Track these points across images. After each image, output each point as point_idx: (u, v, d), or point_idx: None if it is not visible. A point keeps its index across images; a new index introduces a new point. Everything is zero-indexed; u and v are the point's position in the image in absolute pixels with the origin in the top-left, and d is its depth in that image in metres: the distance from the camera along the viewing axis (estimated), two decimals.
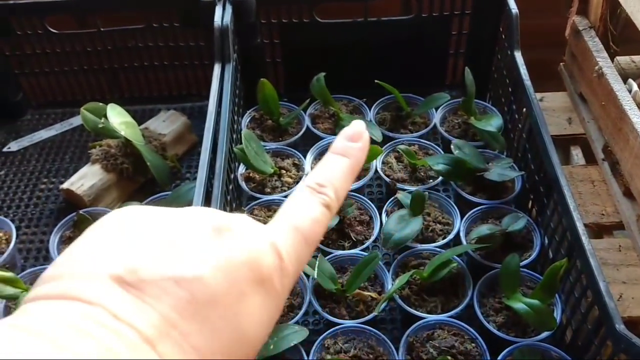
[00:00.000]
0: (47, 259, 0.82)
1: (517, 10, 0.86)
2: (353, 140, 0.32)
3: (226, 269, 0.23)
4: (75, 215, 0.81)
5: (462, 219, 0.79)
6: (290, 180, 0.85)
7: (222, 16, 0.87)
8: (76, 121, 1.03)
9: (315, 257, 0.72)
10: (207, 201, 0.71)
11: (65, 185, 0.86)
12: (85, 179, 0.86)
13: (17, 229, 0.84)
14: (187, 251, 0.23)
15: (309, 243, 0.28)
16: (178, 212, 0.26)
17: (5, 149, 1.00)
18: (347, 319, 0.70)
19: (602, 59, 0.85)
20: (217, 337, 0.22)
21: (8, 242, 0.80)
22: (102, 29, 0.97)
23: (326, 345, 0.68)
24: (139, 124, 0.92)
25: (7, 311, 0.74)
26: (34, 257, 0.84)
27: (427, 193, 0.79)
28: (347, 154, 0.31)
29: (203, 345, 0.22)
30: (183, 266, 0.23)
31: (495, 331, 0.68)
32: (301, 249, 0.27)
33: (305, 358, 0.66)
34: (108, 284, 0.22)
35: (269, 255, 0.25)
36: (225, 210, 0.74)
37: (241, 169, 0.86)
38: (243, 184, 0.84)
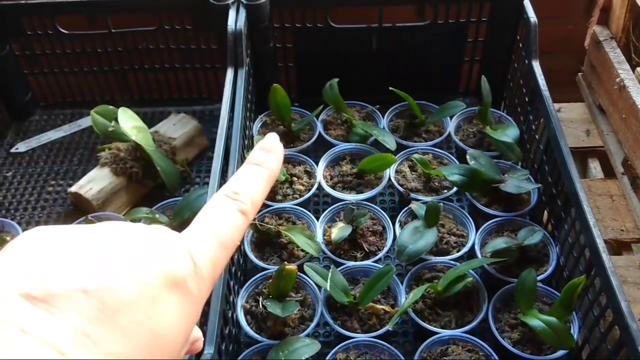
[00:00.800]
0: None
1: (536, 19, 0.85)
2: (268, 151, 0.34)
3: (137, 276, 0.24)
4: (84, 220, 0.79)
5: (476, 231, 0.77)
6: (301, 187, 0.84)
7: (235, 20, 0.85)
8: (85, 122, 1.02)
9: (327, 268, 0.71)
10: None
11: (73, 189, 0.85)
12: (93, 183, 0.85)
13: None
14: (95, 263, 0.24)
15: (224, 247, 0.29)
16: (90, 228, 0.27)
17: (13, 150, 0.99)
18: (359, 333, 0.69)
19: (624, 71, 0.83)
20: (131, 341, 0.23)
21: None
22: (113, 30, 0.96)
23: (338, 358, 0.66)
24: (149, 126, 0.91)
25: None
26: None
27: (441, 204, 0.78)
28: (262, 164, 0.33)
29: (118, 350, 0.23)
30: (91, 277, 0.23)
31: (510, 348, 0.67)
32: (216, 254, 0.28)
33: None
34: (17, 300, 0.22)
35: (182, 260, 0.26)
36: None
37: None
38: None
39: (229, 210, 0.30)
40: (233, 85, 0.83)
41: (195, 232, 0.28)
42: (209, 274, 0.28)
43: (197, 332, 0.33)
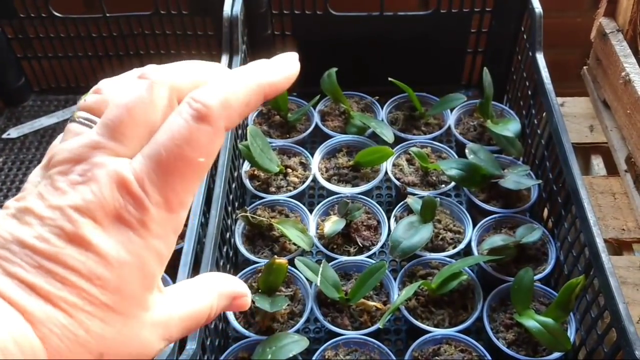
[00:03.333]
0: None
1: (540, 10, 0.82)
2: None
3: None
4: None
5: (474, 227, 0.75)
6: (296, 180, 0.82)
7: (232, 5, 0.83)
8: None
9: (319, 262, 0.69)
10: (208, 200, 0.68)
11: None
12: None
13: None
14: None
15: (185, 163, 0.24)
16: None
17: (4, 136, 0.97)
18: (349, 330, 0.67)
19: (630, 65, 0.80)
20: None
21: None
22: (107, 14, 0.94)
23: (327, 356, 0.65)
24: None
25: None
26: None
27: (438, 199, 0.76)
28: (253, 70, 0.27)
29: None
30: None
31: (504, 349, 0.65)
32: (172, 177, 0.24)
33: None
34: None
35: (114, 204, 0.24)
36: (227, 209, 0.71)
37: (246, 166, 0.83)
38: (247, 182, 0.81)
39: (179, 118, 0.24)
40: None
41: (135, 158, 0.25)
42: (163, 210, 0.24)
43: (239, 287, 0.30)
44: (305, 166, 0.84)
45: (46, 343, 0.22)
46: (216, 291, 0.28)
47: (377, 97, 0.93)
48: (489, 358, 0.64)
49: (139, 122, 0.24)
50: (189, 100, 0.24)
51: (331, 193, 0.80)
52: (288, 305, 0.68)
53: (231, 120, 0.25)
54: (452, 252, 0.73)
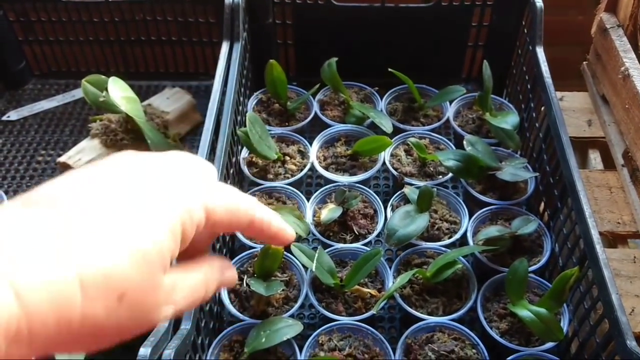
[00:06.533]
0: None
1: (541, 4, 0.83)
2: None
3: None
4: None
5: (470, 218, 0.75)
6: (294, 167, 0.82)
7: None
8: (78, 93, 1.00)
9: (314, 249, 0.69)
10: None
11: (62, 159, 0.84)
12: (83, 154, 0.84)
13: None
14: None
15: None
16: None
17: (4, 118, 0.97)
18: (344, 315, 0.67)
19: (629, 60, 0.81)
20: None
21: None
22: (110, 0, 0.94)
23: (320, 341, 0.65)
24: (143, 99, 0.89)
25: None
26: None
27: (435, 189, 0.76)
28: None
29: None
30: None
31: (497, 338, 0.65)
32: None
33: (298, 353, 0.63)
34: None
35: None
36: None
37: (244, 153, 0.83)
38: (245, 169, 0.81)
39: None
40: (227, 59, 0.81)
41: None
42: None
43: (226, 261, 0.34)
44: (303, 154, 0.84)
45: None
46: (207, 265, 0.32)
47: (376, 88, 0.93)
48: (482, 346, 0.64)
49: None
50: None
51: (329, 181, 0.81)
52: (283, 290, 0.69)
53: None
54: (447, 242, 0.74)
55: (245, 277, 0.70)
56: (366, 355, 0.64)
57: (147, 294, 0.26)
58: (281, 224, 0.34)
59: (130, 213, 0.26)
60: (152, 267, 0.26)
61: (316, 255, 0.68)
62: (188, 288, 0.30)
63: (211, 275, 0.32)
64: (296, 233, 0.72)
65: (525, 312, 0.64)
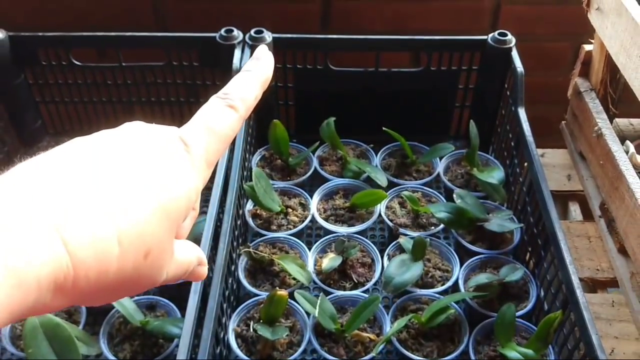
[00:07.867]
0: None
1: (522, 69, 0.90)
2: (257, 59, 0.38)
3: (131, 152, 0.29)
4: None
5: (461, 266, 0.81)
6: (296, 219, 0.88)
7: (240, 58, 0.91)
8: None
9: (317, 296, 0.74)
10: (215, 236, 0.73)
11: None
12: None
13: None
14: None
15: (214, 133, 0.32)
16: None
17: None
18: (344, 359, 0.71)
19: (602, 120, 0.88)
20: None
21: None
22: (123, 64, 1.01)
23: None
24: None
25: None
26: None
27: (428, 239, 0.82)
28: (252, 69, 0.36)
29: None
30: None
31: None
32: (207, 137, 0.32)
33: None
34: None
35: (174, 141, 0.31)
36: (232, 245, 0.76)
37: (249, 206, 0.88)
38: (250, 220, 0.87)
39: (218, 105, 0.33)
40: None
41: (188, 125, 0.32)
42: (201, 154, 0.31)
43: (202, 254, 0.35)
44: (304, 206, 0.90)
45: None
46: (195, 253, 0.34)
47: (372, 145, 1.00)
48: None
49: None
50: (222, 96, 0.34)
51: (328, 232, 0.86)
52: (287, 335, 0.73)
53: (247, 110, 0.35)
54: (440, 288, 0.79)
55: (252, 322, 0.74)
56: None
57: (164, 253, 0.28)
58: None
59: (154, 172, 0.28)
60: (172, 225, 0.28)
61: (319, 301, 0.73)
62: (179, 261, 0.31)
63: (195, 260, 0.34)
64: (299, 281, 0.77)
65: (514, 353, 0.69)
